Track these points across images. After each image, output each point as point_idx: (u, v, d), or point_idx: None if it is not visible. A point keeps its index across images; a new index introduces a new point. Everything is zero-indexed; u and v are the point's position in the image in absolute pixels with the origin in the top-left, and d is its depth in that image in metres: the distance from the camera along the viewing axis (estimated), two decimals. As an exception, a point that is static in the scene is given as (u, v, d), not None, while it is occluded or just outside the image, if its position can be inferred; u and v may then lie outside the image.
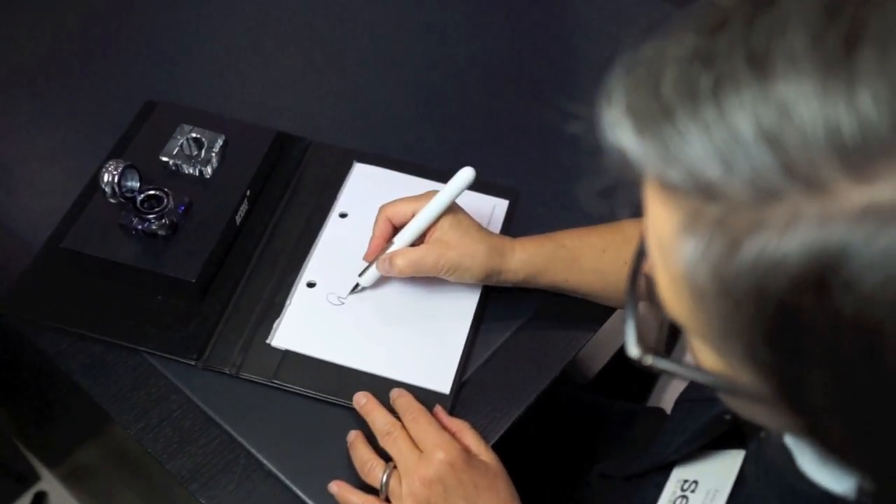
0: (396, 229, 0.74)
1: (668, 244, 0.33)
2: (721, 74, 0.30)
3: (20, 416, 1.18)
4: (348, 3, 1.02)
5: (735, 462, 0.55)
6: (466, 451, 0.65)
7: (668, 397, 1.48)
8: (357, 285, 0.76)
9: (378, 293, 0.76)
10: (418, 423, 0.66)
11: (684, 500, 0.57)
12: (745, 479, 0.54)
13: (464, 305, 0.76)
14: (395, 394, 0.69)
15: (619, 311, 0.81)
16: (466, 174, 0.70)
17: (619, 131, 0.31)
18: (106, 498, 1.24)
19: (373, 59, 0.97)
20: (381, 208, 0.74)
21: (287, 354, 0.72)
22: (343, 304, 0.76)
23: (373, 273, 0.75)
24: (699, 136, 0.29)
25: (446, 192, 0.71)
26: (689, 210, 0.31)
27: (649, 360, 0.38)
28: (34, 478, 1.39)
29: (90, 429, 0.91)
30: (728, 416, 0.57)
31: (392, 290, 0.77)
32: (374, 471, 0.65)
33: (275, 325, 0.74)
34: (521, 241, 0.73)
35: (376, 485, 0.65)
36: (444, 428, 0.67)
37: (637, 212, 0.36)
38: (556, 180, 0.86)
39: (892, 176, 0.27)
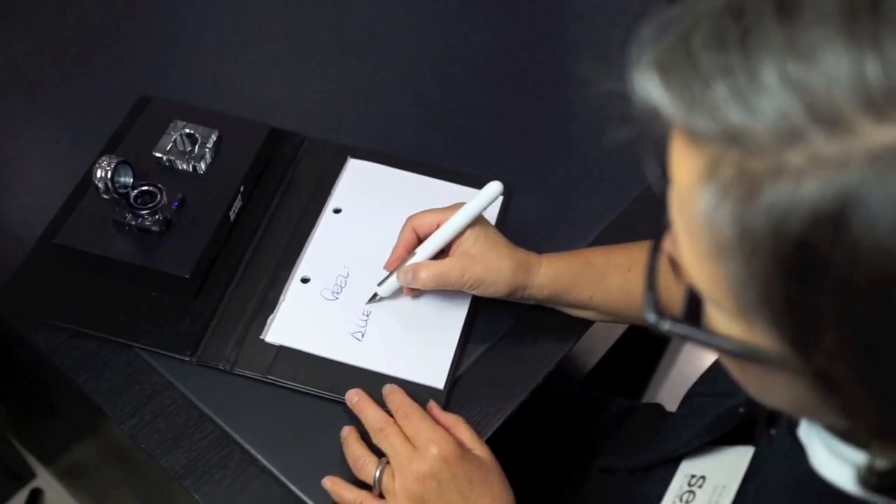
0: (420, 240, 0.72)
1: (688, 194, 0.34)
2: (749, 25, 0.31)
3: (15, 413, 1.18)
4: (342, -2, 1.02)
5: (744, 458, 0.55)
6: (460, 445, 0.65)
7: (663, 393, 1.48)
8: (375, 295, 0.75)
9: (372, 289, 0.76)
10: (410, 420, 0.66)
11: (691, 496, 0.56)
12: (754, 475, 0.54)
13: (458, 300, 0.76)
14: (387, 390, 0.69)
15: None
16: (494, 187, 0.69)
17: (648, 83, 0.32)
18: (101, 495, 1.24)
19: (367, 54, 0.97)
20: (408, 219, 0.72)
21: (281, 350, 0.72)
22: (337, 299, 0.76)
23: (392, 283, 0.73)
24: (724, 82, 0.31)
25: (473, 204, 0.69)
26: (712, 155, 0.32)
27: (666, 325, 0.38)
28: (29, 475, 1.38)
29: (85, 425, 0.91)
30: (742, 410, 0.56)
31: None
32: (366, 467, 0.65)
33: (269, 321, 0.74)
34: (547, 258, 0.72)
35: (369, 481, 0.65)
36: (438, 423, 0.67)
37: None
38: (550, 175, 0.87)
39: None
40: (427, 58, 0.98)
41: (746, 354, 0.37)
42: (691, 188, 0.33)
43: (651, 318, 0.39)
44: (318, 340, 0.73)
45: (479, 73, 0.96)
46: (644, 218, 0.82)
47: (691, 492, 0.57)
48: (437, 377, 0.72)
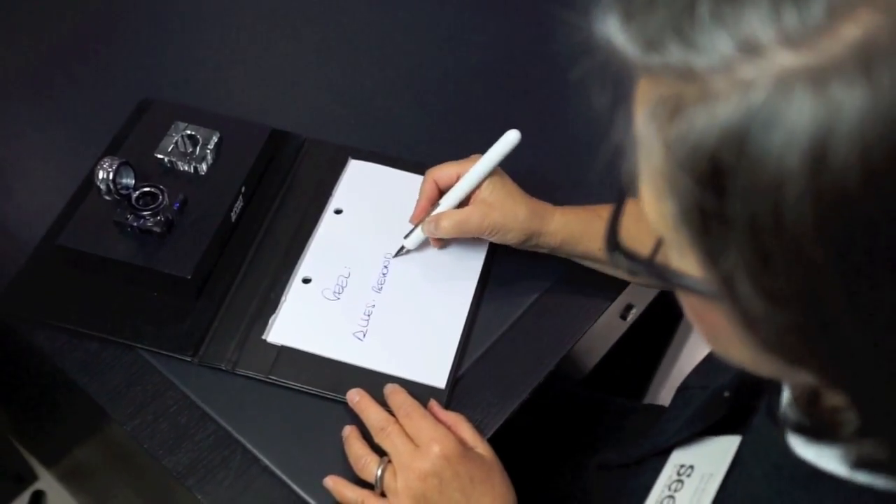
0: (442, 192, 0.76)
1: (635, 118, 0.36)
2: None
3: (17, 414, 1.18)
4: None
5: (731, 447, 0.56)
6: (462, 443, 0.65)
7: (664, 394, 1.48)
8: (402, 248, 0.78)
9: (373, 288, 0.77)
10: (412, 419, 0.66)
11: (680, 485, 0.57)
12: (740, 462, 0.55)
13: (459, 300, 0.77)
14: (388, 390, 0.70)
15: (610, 309, 0.81)
16: (511, 136, 0.72)
17: (609, 22, 0.35)
18: (104, 496, 1.25)
19: (367, 55, 0.97)
20: (428, 172, 0.76)
21: (282, 350, 0.72)
22: (338, 299, 0.76)
23: (418, 235, 0.77)
24: (667, 15, 0.33)
25: (491, 154, 0.73)
26: (652, 82, 0.35)
27: (619, 257, 0.41)
28: (32, 477, 1.39)
29: (87, 426, 0.91)
30: (727, 394, 0.57)
31: (388, 286, 0.77)
32: (368, 466, 0.65)
33: (270, 321, 0.74)
34: (561, 208, 0.75)
35: (371, 480, 0.65)
36: (440, 421, 0.67)
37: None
38: (549, 175, 0.87)
39: (818, 45, 0.30)
40: (427, 58, 0.98)
41: (679, 283, 0.39)
42: (636, 112, 0.36)
43: (606, 249, 0.42)
44: (319, 340, 0.73)
45: (479, 73, 0.96)
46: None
47: (680, 481, 0.57)
48: (438, 377, 0.72)
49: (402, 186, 0.84)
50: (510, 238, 0.74)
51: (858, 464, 0.42)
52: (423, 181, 0.76)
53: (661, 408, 0.91)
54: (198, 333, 0.73)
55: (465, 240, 0.80)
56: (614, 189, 0.44)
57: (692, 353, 1.52)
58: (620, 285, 0.80)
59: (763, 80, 0.31)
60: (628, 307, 0.92)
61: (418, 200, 0.77)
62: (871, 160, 0.30)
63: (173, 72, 0.94)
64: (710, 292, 0.37)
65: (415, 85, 0.95)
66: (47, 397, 0.94)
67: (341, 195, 0.83)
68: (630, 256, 0.41)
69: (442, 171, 0.75)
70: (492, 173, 0.74)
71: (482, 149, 0.89)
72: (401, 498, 0.63)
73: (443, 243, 0.79)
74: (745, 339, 0.38)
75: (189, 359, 0.72)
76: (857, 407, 0.39)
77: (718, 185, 0.33)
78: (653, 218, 0.38)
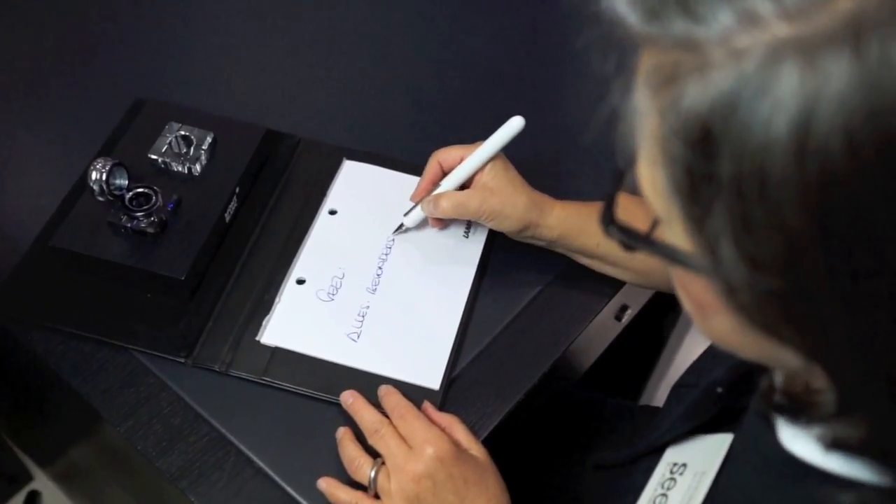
0: (445, 173, 0.76)
1: (635, 89, 0.37)
2: None
3: (12, 415, 1.18)
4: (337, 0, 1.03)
5: (723, 444, 0.56)
6: (456, 445, 0.65)
7: (660, 395, 1.48)
8: (401, 225, 0.79)
9: (367, 290, 0.76)
10: (406, 420, 0.66)
11: (672, 483, 0.57)
12: (732, 459, 0.55)
13: (453, 302, 0.76)
14: (382, 391, 0.69)
15: (605, 310, 0.81)
16: (516, 122, 0.73)
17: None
18: (98, 497, 1.24)
19: (362, 56, 0.97)
20: (434, 153, 0.77)
21: (276, 351, 0.72)
22: (332, 300, 0.76)
23: (417, 214, 0.78)
24: None
25: (494, 139, 0.74)
26: (651, 50, 0.35)
27: (612, 230, 0.42)
28: (27, 477, 1.38)
29: (81, 427, 0.91)
30: (720, 390, 0.57)
31: (382, 287, 0.77)
32: (361, 468, 0.65)
33: (264, 323, 0.74)
34: (561, 202, 0.76)
35: (364, 482, 0.65)
36: (434, 423, 0.67)
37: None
38: (546, 176, 0.87)
39: (812, 17, 0.31)
40: (422, 59, 0.98)
41: (668, 256, 0.39)
42: (637, 82, 0.36)
43: (601, 223, 0.42)
44: (313, 342, 0.73)
45: (474, 74, 0.96)
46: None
47: (672, 479, 0.58)
48: (432, 378, 0.72)
49: (397, 187, 0.84)
50: (507, 226, 0.74)
51: (833, 445, 0.42)
52: (428, 162, 0.77)
53: (657, 409, 0.90)
54: (191, 335, 0.73)
55: (459, 243, 0.80)
56: (611, 175, 0.44)
57: (688, 354, 1.52)
58: (615, 286, 0.80)
59: (755, 49, 0.32)
60: (623, 308, 0.92)
61: (421, 180, 0.78)
62: (855, 132, 0.30)
63: (167, 72, 0.94)
64: (696, 265, 0.37)
65: (410, 86, 0.95)
66: (41, 398, 0.94)
67: (336, 196, 0.83)
68: (624, 230, 0.41)
69: (447, 154, 0.76)
70: (495, 160, 0.75)
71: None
72: (394, 500, 0.63)
73: (442, 224, 0.80)
74: (729, 311, 0.38)
75: (183, 360, 0.72)
76: (833, 382, 0.39)
77: (708, 149, 0.33)
78: (647, 190, 0.39)
